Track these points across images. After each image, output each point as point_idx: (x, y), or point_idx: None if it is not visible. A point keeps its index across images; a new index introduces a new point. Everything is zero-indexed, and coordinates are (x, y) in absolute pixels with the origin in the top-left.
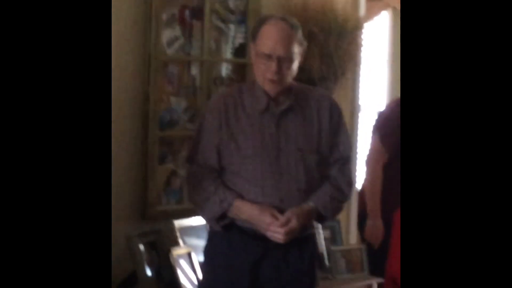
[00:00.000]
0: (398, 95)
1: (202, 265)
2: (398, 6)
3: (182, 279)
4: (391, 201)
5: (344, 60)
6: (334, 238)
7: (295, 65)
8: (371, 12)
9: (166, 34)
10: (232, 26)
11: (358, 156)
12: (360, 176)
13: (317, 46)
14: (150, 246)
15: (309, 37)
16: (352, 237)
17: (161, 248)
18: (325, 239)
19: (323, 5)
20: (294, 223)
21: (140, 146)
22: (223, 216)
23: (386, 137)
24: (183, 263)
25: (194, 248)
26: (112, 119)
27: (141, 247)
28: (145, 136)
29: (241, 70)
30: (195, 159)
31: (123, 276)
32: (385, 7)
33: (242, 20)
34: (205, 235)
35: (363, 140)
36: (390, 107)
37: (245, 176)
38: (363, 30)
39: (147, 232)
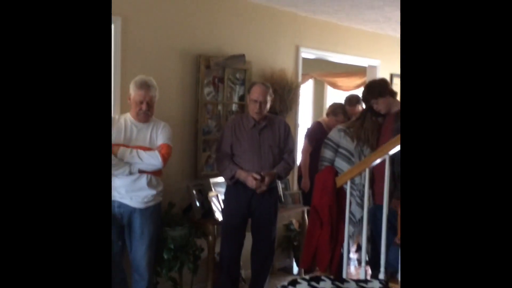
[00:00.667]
0: (318, 119)
1: (223, 201)
2: (317, 77)
3: (214, 208)
4: (313, 170)
5: (291, 103)
6: (286, 187)
7: (268, 105)
8: (304, 79)
9: (206, 90)
10: (237, 86)
11: (298, 149)
12: (298, 158)
13: (278, 96)
14: (198, 191)
15: (275, 92)
16: (294, 187)
17: (204, 192)
18: (282, 188)
19: (281, 76)
20: (266, 179)
21: (195, 143)
22: (232, 177)
23: (311, 140)
24: (214, 200)
25: (220, 192)
26: (182, 133)
27: (194, 191)
28: (196, 139)
29: (242, 107)
30: (220, 150)
31: (185, 206)
32: (309, 77)
33: (243, 83)
34: (224, 186)
35: (300, 141)
36: (312, 125)
37: (243, 158)
38: (300, 88)
39: (197, 184)
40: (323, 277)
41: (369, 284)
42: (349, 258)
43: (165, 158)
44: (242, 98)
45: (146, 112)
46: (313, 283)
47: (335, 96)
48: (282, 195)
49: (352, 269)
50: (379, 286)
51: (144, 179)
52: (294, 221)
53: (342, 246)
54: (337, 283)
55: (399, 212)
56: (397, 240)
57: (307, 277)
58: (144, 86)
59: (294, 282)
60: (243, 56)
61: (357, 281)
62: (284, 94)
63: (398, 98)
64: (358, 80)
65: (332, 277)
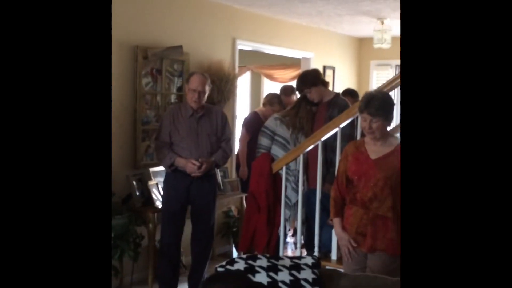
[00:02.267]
0: (255, 109)
1: (163, 189)
2: (254, 69)
3: (154, 196)
4: (251, 159)
5: (229, 93)
6: (225, 175)
7: (206, 95)
8: (242, 71)
9: (144, 81)
10: (176, 77)
11: (235, 138)
12: (236, 147)
13: (217, 86)
14: (138, 180)
15: (213, 82)
16: (233, 175)
17: (144, 181)
18: (221, 176)
19: (218, 67)
20: (204, 166)
21: (134, 133)
22: (171, 165)
23: (248, 129)
24: (154, 188)
25: (159, 181)
26: (120, 123)
27: (134, 181)
28: (135, 129)
29: (181, 98)
30: (159, 139)
31: (124, 195)
32: (247, 69)
33: (180, 74)
34: (163, 174)
35: (238, 131)
36: (249, 115)
37: (182, 146)
38: (237, 79)
39: (137, 174)
40: (259, 256)
41: (303, 260)
42: (286, 242)
43: None
44: (180, 89)
45: None
46: (250, 261)
47: (272, 87)
48: (221, 182)
49: (290, 252)
50: (311, 261)
51: None
52: (233, 208)
53: (279, 229)
54: (272, 260)
55: (331, 195)
56: (330, 221)
57: (244, 256)
58: None
59: (231, 262)
60: (180, 47)
61: (292, 258)
62: (221, 85)
63: (330, 88)
64: (293, 72)
65: (268, 255)
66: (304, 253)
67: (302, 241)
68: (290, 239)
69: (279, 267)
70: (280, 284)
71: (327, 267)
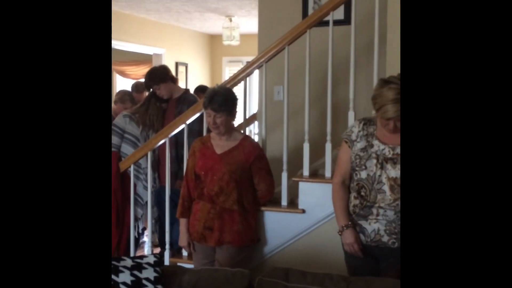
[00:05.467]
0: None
1: None
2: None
3: None
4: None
5: None
6: None
7: None
8: None
9: None
10: None
11: None
12: None
13: None
14: None
15: None
16: None
17: None
18: None
19: None
20: None
21: None
22: None
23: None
24: None
25: None
26: None
27: None
28: None
29: None
30: None
31: None
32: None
33: None
34: None
35: None
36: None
37: None
38: None
39: None
40: None
41: (145, 259)
42: (143, 241)
43: None
44: None
45: None
46: None
47: (124, 84)
48: None
49: (146, 251)
50: (153, 259)
51: None
52: None
53: (130, 229)
54: (114, 262)
55: (180, 192)
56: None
57: None
58: None
59: None
60: None
61: (133, 258)
62: None
63: (183, 84)
64: (146, 68)
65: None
66: (158, 251)
67: (156, 239)
68: (146, 238)
69: (120, 268)
70: (121, 286)
71: (178, 263)
